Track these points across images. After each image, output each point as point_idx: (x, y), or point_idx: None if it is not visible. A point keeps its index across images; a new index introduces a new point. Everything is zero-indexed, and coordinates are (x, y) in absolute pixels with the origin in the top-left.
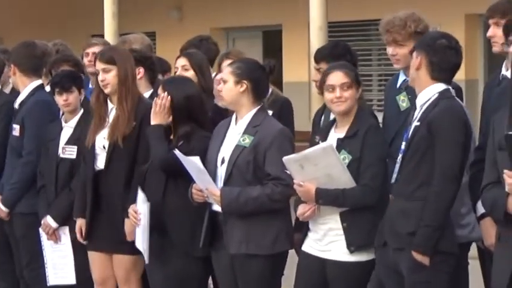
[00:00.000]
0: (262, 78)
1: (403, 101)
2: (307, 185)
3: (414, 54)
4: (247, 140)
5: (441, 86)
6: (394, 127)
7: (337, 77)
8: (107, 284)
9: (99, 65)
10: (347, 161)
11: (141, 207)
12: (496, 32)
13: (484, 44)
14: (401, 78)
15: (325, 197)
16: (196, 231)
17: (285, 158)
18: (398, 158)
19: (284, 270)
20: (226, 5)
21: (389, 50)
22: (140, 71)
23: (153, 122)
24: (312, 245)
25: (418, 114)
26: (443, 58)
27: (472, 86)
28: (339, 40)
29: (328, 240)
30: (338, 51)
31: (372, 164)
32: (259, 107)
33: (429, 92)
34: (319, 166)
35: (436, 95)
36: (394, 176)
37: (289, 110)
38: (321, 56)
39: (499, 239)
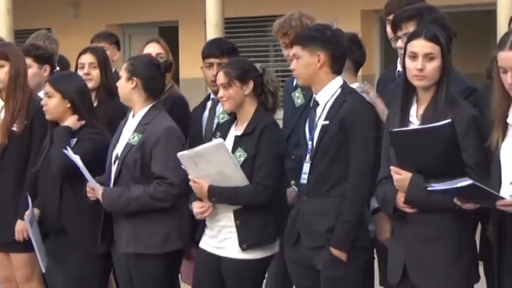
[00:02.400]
0: (155, 75)
1: (298, 98)
2: (200, 181)
3: (307, 53)
4: (136, 138)
5: (340, 80)
6: (290, 124)
7: (219, 77)
8: (11, 282)
9: None
10: (242, 158)
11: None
12: None
13: (381, 39)
14: None
15: (218, 195)
16: (95, 228)
17: (179, 154)
18: (307, 158)
19: (180, 268)
20: (122, 2)
21: (291, 52)
22: (47, 69)
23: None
24: (208, 242)
25: (322, 112)
26: (342, 50)
27: (368, 81)
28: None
29: (222, 237)
30: (227, 48)
31: (265, 163)
32: (151, 104)
33: (331, 88)
34: (212, 163)
35: (339, 91)
36: (305, 176)
37: (180, 106)
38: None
39: (393, 233)
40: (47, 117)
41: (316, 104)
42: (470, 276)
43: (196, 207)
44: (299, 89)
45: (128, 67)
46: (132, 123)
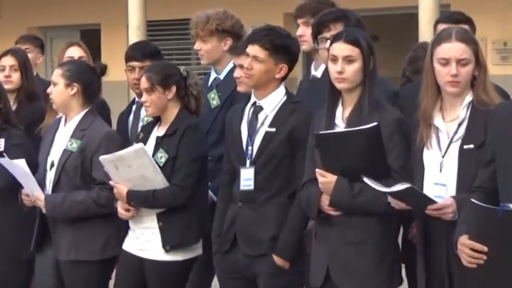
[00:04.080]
0: (93, 80)
1: (213, 99)
2: (119, 186)
3: (272, 60)
4: (75, 145)
5: (283, 87)
6: (206, 125)
7: (142, 82)
8: None
9: None
10: (163, 159)
11: None
12: (305, 31)
13: None
14: (213, 76)
15: (136, 199)
16: (21, 233)
17: (101, 158)
18: (247, 163)
19: (112, 273)
20: (43, 4)
21: (195, 45)
22: None
23: None
24: (131, 244)
25: (265, 119)
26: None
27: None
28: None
29: (145, 239)
30: (149, 51)
31: (184, 164)
32: (87, 109)
33: (278, 95)
34: (133, 167)
35: (285, 98)
36: (248, 182)
37: (104, 111)
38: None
39: (315, 235)
40: None
41: (259, 109)
42: (393, 279)
43: (121, 207)
44: (214, 90)
45: (65, 73)
46: (67, 129)
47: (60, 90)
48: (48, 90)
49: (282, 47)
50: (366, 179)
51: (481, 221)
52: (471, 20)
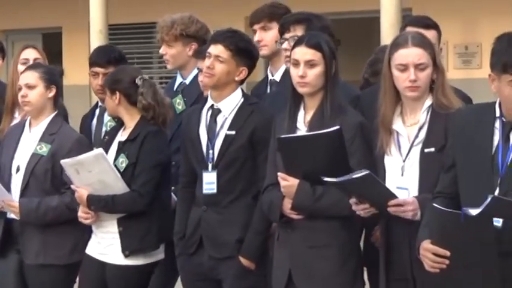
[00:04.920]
0: (61, 83)
1: (178, 104)
2: (80, 190)
3: (234, 62)
4: (45, 149)
5: (239, 89)
6: (171, 130)
7: None
8: None
9: None
10: (124, 165)
11: None
12: (263, 36)
13: None
14: (178, 80)
15: (96, 203)
16: None
17: (62, 161)
18: (209, 167)
19: (77, 277)
20: (3, 7)
21: (161, 49)
22: None
23: None
24: (93, 248)
25: (225, 121)
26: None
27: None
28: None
29: (106, 243)
30: (114, 56)
31: (144, 170)
32: (54, 113)
33: (235, 97)
34: (93, 172)
35: (242, 100)
36: (210, 186)
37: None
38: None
39: (278, 239)
40: None
41: (217, 111)
42: (356, 283)
43: (81, 212)
44: (180, 95)
45: (44, 76)
46: (34, 133)
47: (41, 93)
48: (23, 93)
49: (244, 50)
50: (326, 179)
51: (444, 226)
52: (438, 26)
